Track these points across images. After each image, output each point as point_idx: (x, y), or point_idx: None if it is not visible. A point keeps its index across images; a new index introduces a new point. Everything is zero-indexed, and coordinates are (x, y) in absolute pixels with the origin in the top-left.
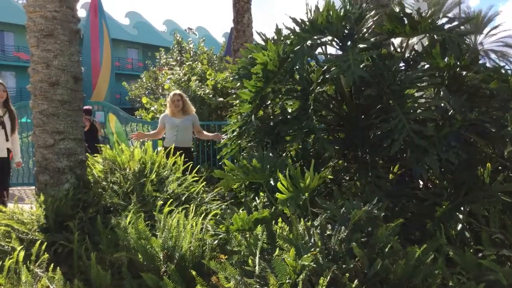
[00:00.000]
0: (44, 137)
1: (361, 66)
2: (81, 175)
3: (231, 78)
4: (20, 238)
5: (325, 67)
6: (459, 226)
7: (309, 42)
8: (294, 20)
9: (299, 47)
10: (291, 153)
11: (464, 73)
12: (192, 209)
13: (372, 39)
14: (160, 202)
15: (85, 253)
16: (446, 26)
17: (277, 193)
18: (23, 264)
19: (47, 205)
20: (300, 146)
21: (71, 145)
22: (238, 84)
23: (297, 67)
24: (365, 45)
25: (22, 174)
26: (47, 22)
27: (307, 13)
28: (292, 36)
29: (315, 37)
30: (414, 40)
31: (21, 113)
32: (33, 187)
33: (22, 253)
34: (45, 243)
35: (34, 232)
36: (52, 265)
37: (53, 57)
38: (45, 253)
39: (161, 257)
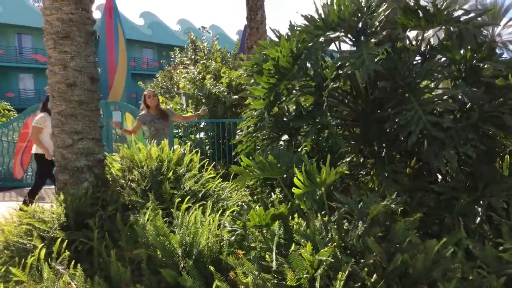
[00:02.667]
0: (63, 137)
1: (376, 60)
2: (99, 174)
3: (245, 75)
4: (42, 236)
5: (339, 63)
6: (478, 219)
7: (322, 39)
8: (306, 17)
9: (311, 44)
10: (307, 148)
11: (481, 65)
12: (209, 205)
13: (384, 32)
14: (177, 199)
15: (105, 250)
16: (463, 18)
17: (293, 188)
18: (44, 262)
19: (67, 203)
20: (316, 142)
21: (89, 144)
22: (252, 81)
23: (310, 63)
24: (378, 39)
25: None
26: (63, 24)
27: (317, 10)
28: (305, 34)
29: (328, 33)
30: (430, 33)
31: None
32: (53, 187)
33: (43, 251)
34: (66, 241)
35: (55, 230)
36: (73, 262)
37: (70, 59)
38: (66, 250)
39: (180, 253)
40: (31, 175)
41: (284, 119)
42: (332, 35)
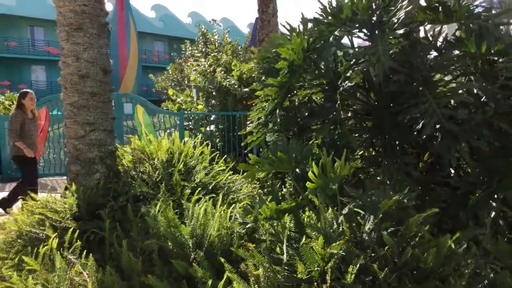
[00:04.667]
0: (75, 128)
1: (391, 52)
2: (111, 165)
3: (256, 72)
4: (54, 226)
5: (353, 61)
6: (493, 214)
7: (335, 34)
8: (315, 19)
9: (323, 42)
10: (317, 141)
11: (497, 58)
12: (220, 198)
13: (402, 31)
14: (188, 191)
15: (116, 241)
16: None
17: (307, 182)
18: (57, 251)
19: (79, 194)
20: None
21: (101, 136)
22: (263, 78)
23: (323, 60)
24: (395, 35)
25: (54, 165)
26: (76, 16)
27: (329, 8)
28: (317, 32)
29: (341, 29)
30: (444, 27)
31: (52, 106)
32: (65, 178)
33: (55, 241)
34: (78, 231)
35: (67, 220)
36: (84, 252)
37: (82, 50)
38: (78, 240)
39: (190, 245)
40: (42, 166)
41: (295, 112)
42: (345, 31)
